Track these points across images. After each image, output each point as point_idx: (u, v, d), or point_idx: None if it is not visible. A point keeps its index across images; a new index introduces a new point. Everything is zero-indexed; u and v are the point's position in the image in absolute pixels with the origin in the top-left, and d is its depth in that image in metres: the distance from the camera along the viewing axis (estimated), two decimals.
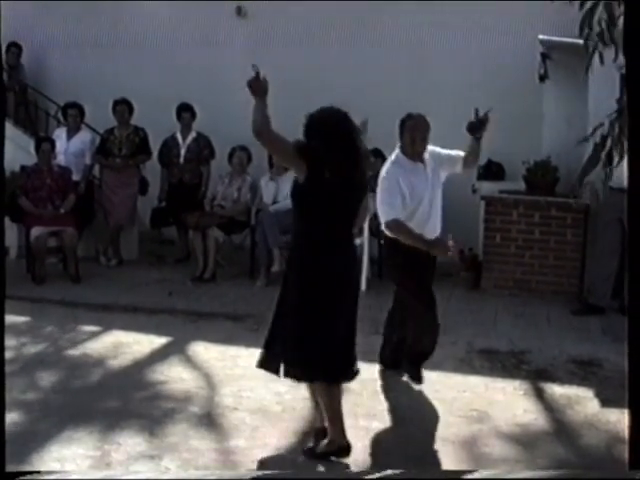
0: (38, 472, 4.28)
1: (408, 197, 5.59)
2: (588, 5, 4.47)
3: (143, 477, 4.51)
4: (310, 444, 4.92)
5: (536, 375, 6.33)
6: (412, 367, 6.01)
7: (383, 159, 9.13)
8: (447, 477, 4.59)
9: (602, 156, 4.62)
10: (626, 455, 3.79)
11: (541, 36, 8.49)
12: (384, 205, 5.61)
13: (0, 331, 3.66)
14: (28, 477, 3.98)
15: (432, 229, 5.77)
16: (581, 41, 4.76)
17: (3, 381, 3.66)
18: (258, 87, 4.61)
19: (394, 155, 5.80)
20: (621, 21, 4.25)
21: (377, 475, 4.54)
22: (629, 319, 3.57)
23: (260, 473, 4.62)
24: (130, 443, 4.93)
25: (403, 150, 5.75)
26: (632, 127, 3.54)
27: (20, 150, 9.85)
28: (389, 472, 4.41)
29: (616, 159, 4.61)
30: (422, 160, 5.75)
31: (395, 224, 5.53)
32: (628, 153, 3.64)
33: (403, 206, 5.56)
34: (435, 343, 5.92)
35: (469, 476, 4.44)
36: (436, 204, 5.82)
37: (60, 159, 9.65)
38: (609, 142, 4.53)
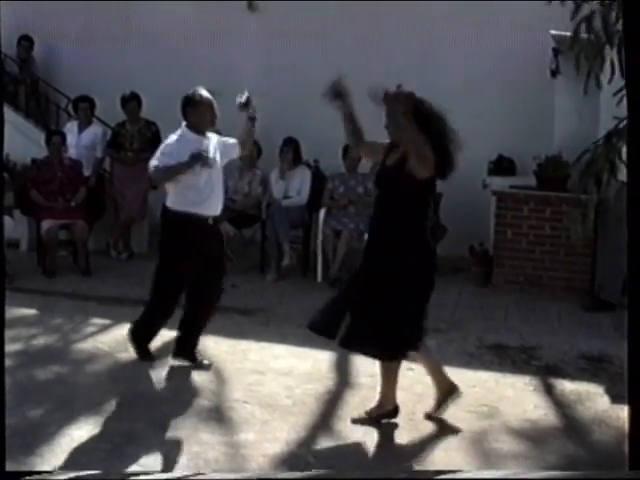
0: (38, 472, 4.26)
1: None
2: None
3: (137, 477, 4.49)
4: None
5: (546, 371, 6.32)
6: None
7: None
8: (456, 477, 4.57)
9: (590, 181, 4.63)
10: None
11: (553, 31, 8.45)
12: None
13: (0, 334, 3.66)
14: (29, 477, 3.98)
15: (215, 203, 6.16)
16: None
17: (3, 382, 3.66)
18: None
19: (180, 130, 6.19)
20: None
21: (385, 475, 4.54)
22: (629, 314, 3.55)
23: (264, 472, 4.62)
24: (140, 436, 4.94)
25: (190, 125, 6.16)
26: (632, 127, 3.53)
27: (31, 143, 9.89)
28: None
29: (605, 180, 4.62)
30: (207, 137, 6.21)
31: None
32: (628, 152, 3.63)
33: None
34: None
35: (476, 476, 4.44)
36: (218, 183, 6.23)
37: (71, 152, 9.65)
38: (594, 167, 4.54)
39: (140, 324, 6.37)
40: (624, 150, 4.38)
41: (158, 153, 6.14)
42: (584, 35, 4.41)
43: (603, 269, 8.25)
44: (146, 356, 6.30)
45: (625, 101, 4.27)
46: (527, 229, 8.69)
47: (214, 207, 6.14)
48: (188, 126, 6.15)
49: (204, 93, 6.11)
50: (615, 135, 4.46)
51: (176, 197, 6.07)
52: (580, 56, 4.49)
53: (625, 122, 4.38)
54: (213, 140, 6.22)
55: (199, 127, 6.13)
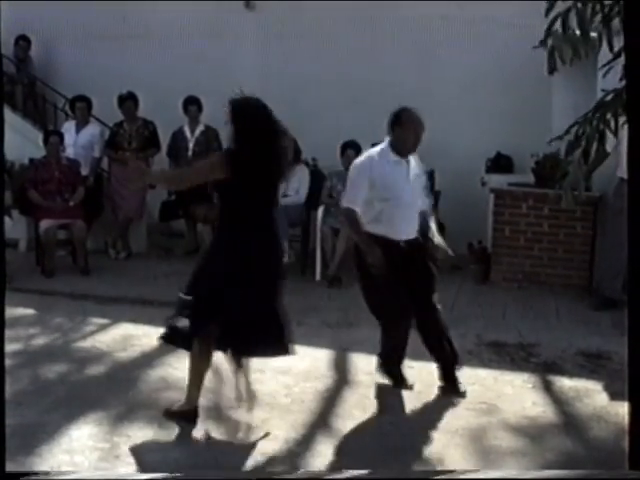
0: (36, 473, 4.27)
1: (380, 190, 5.49)
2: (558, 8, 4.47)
3: (131, 477, 4.49)
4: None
5: (545, 368, 6.32)
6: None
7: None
8: (455, 477, 4.59)
9: (577, 155, 4.60)
10: None
11: None
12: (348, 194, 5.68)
13: (0, 334, 3.66)
14: (30, 477, 3.98)
15: (405, 230, 5.60)
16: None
17: (3, 382, 3.66)
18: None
19: (380, 147, 5.60)
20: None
21: (386, 475, 4.54)
22: (629, 310, 3.55)
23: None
24: (139, 435, 4.94)
25: (393, 144, 5.54)
26: (632, 123, 3.53)
27: (29, 143, 9.88)
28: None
29: (592, 156, 4.59)
30: (408, 159, 5.61)
31: (346, 213, 5.58)
32: (628, 147, 3.63)
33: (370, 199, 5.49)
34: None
35: (476, 476, 4.44)
36: (414, 207, 5.65)
37: (69, 152, 9.66)
38: (584, 141, 4.52)
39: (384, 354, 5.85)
40: (613, 121, 4.39)
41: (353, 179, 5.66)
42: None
43: (601, 266, 8.25)
44: (401, 383, 5.79)
45: (614, 74, 4.30)
46: (525, 226, 8.69)
47: None
48: (391, 144, 5.55)
49: (413, 113, 5.51)
50: (604, 106, 4.46)
51: None
52: (554, 51, 4.51)
53: (612, 95, 4.40)
54: (412, 165, 5.64)
55: (399, 148, 5.54)
